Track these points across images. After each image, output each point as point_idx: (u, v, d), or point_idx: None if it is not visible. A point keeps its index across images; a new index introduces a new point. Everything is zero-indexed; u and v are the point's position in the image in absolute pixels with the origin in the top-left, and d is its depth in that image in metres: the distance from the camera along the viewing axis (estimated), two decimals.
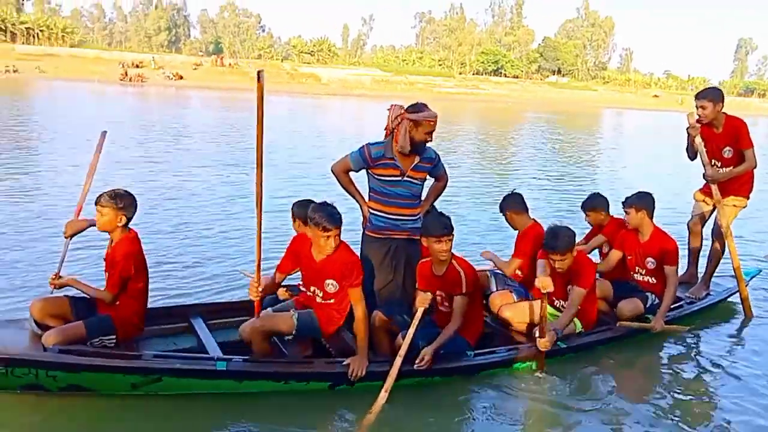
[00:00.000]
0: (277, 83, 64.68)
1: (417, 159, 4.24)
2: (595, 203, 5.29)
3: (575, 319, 4.51)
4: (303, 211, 4.07)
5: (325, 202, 3.79)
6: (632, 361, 4.71)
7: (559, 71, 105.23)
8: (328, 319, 3.94)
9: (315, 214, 3.67)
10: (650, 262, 4.93)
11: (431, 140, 4.19)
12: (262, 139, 3.50)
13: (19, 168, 11.19)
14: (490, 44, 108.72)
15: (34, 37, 78.72)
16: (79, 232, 4.07)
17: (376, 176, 4.25)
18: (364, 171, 4.30)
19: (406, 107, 4.19)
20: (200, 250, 6.73)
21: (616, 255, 5.08)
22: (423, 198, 4.48)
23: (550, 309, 4.47)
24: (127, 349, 3.80)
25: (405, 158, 4.21)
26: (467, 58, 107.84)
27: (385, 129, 4.25)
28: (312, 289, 3.97)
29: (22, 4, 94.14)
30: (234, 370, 3.62)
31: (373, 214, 4.32)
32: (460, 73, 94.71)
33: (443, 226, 3.94)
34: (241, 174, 11.93)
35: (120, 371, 3.51)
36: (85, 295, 3.89)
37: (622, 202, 4.98)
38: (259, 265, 3.76)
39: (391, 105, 4.25)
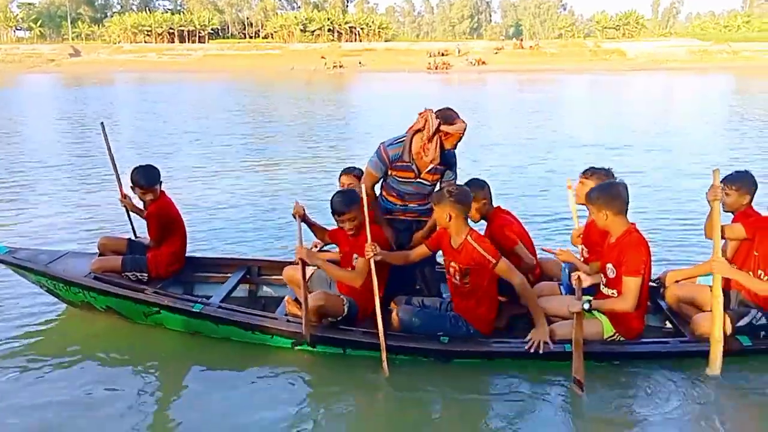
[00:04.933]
0: (578, 61, 62.70)
1: (429, 162, 4.09)
2: (740, 180, 4.03)
3: (605, 320, 3.76)
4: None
5: (343, 190, 4.20)
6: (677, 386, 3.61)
7: None
8: (363, 306, 4.00)
9: (331, 200, 3.98)
10: None
11: (449, 147, 4.07)
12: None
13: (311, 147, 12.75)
14: None
15: (355, 34, 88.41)
16: (134, 210, 4.88)
17: (391, 175, 4.22)
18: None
19: (436, 114, 3.98)
20: None
21: (740, 231, 3.87)
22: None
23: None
24: (157, 286, 4.44)
25: (423, 162, 4.11)
26: None
27: (410, 128, 4.09)
28: (349, 269, 4.12)
29: (347, 6, 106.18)
30: (205, 313, 4.05)
31: (383, 198, 4.36)
32: None
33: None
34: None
35: (128, 299, 4.25)
36: (145, 239, 4.74)
37: None
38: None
39: (425, 109, 4.03)
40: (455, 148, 4.10)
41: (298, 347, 3.98)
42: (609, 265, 3.76)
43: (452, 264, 3.84)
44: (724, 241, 4.03)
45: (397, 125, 4.77)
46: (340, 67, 61.81)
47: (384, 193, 4.36)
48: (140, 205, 4.74)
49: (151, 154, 12.03)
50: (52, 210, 7.81)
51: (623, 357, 3.80)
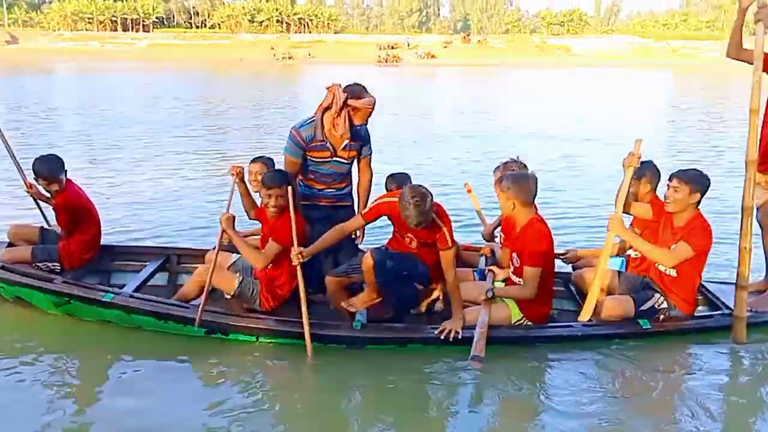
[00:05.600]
0: (525, 56, 63.84)
1: (347, 139, 4.15)
2: (643, 170, 4.16)
3: (512, 305, 3.88)
4: None
5: (280, 169, 4.12)
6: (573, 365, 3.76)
7: None
8: (267, 288, 4.02)
9: (265, 173, 4.02)
10: None
11: (359, 124, 4.11)
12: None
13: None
14: None
15: (304, 26, 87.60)
16: (42, 199, 4.73)
17: (308, 157, 4.20)
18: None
19: (344, 89, 4.03)
20: None
21: (647, 210, 4.09)
22: (351, 174, 4.40)
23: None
24: (72, 276, 4.30)
25: (336, 139, 4.15)
26: None
27: (319, 107, 4.13)
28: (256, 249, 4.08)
29: None
30: (116, 303, 3.93)
31: (302, 183, 4.31)
32: None
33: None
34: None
35: (33, 288, 4.07)
36: (57, 228, 4.53)
37: (670, 176, 3.89)
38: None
39: (332, 84, 4.08)
40: (366, 123, 4.14)
41: (213, 335, 3.92)
42: (514, 255, 3.91)
43: (408, 235, 3.87)
44: (630, 226, 4.25)
45: None
46: (290, 58, 61.20)
47: (301, 177, 4.29)
48: (48, 194, 4.51)
49: (94, 146, 11.75)
50: None
51: (529, 341, 3.88)
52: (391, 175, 4.50)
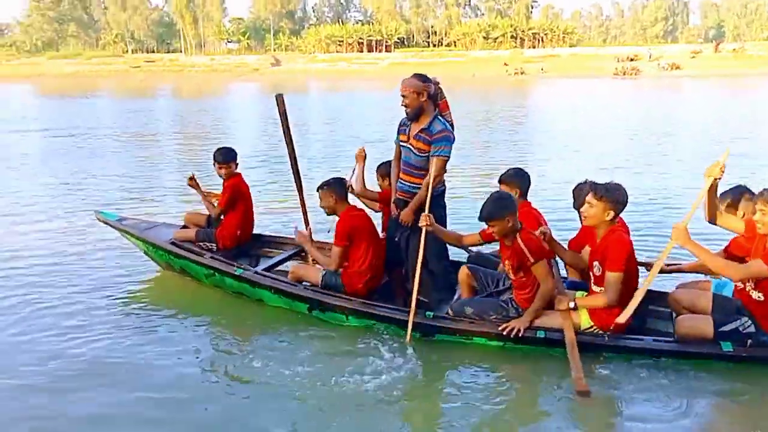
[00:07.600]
0: None
1: (418, 128, 4.29)
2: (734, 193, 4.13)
3: (584, 313, 3.87)
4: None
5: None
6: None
7: None
8: (350, 280, 4.52)
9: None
10: None
11: (405, 107, 4.30)
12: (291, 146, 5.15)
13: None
14: None
15: (539, 40, 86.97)
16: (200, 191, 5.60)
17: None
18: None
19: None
20: None
21: (738, 223, 3.97)
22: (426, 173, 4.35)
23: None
24: (222, 255, 5.08)
25: (414, 125, 4.34)
26: None
27: None
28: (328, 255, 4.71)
29: (531, 13, 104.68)
30: (243, 276, 4.71)
31: None
32: None
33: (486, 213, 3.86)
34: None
35: (190, 261, 5.03)
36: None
37: (756, 196, 3.64)
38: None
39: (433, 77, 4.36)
40: (404, 105, 4.30)
41: (313, 312, 4.51)
42: (596, 263, 3.85)
43: (506, 262, 4.00)
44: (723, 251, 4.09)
45: (573, 131, 5.02)
46: (522, 73, 61.37)
47: None
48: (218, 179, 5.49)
49: (326, 153, 13.29)
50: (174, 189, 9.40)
51: (593, 349, 3.81)
52: (511, 169, 4.60)
